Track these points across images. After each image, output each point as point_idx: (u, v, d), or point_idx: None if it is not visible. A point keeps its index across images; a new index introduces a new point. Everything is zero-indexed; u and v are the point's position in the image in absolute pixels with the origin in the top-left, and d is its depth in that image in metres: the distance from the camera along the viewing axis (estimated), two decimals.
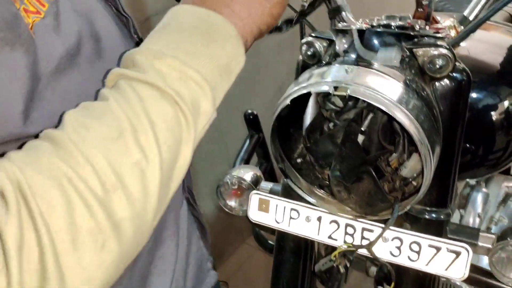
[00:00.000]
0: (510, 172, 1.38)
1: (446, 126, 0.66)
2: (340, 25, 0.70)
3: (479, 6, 0.73)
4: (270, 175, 1.11)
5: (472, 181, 1.14)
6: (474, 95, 0.83)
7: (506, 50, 0.90)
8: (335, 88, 0.59)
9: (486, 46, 0.90)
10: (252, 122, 1.12)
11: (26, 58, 0.39)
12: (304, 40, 0.71)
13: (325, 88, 0.59)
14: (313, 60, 0.71)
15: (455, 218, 1.12)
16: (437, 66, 0.63)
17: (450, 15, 0.94)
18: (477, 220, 1.13)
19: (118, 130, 0.37)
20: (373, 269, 1.00)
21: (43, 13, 0.42)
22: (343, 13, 0.79)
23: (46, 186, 0.33)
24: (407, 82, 0.62)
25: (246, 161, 1.09)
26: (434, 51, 0.63)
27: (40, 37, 0.41)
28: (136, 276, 0.56)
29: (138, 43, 0.58)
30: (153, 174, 0.38)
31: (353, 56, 0.63)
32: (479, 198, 1.16)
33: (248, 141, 1.11)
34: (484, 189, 1.18)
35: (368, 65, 0.62)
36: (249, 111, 1.12)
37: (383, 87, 0.59)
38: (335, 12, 0.78)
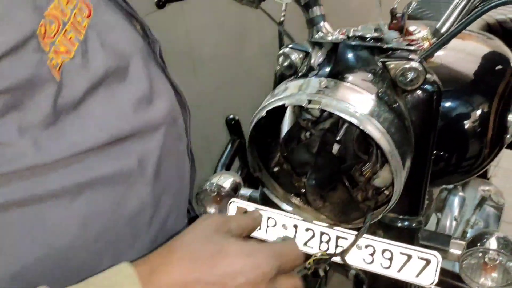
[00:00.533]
0: (486, 176, 1.41)
1: (418, 136, 0.68)
2: (317, 37, 0.71)
3: (451, 19, 0.75)
4: (252, 180, 1.12)
5: (449, 185, 1.17)
6: (448, 103, 0.85)
7: (480, 59, 0.92)
8: (309, 101, 0.60)
9: (460, 55, 0.92)
10: (234, 127, 1.13)
11: (46, 100, 0.40)
12: (280, 52, 0.72)
13: (299, 101, 0.61)
14: (290, 71, 0.73)
15: (432, 222, 1.14)
16: (409, 79, 0.65)
17: (428, 24, 0.96)
18: (454, 223, 1.16)
19: None
20: (353, 272, 1.02)
21: (73, 52, 0.44)
22: (321, 23, 0.80)
23: None
24: (379, 94, 0.63)
25: (228, 166, 1.10)
26: (405, 65, 0.65)
27: (67, 77, 0.43)
28: None
29: (162, 68, 0.59)
30: None
31: (328, 69, 0.65)
32: (455, 201, 1.19)
33: (229, 146, 1.12)
34: (460, 193, 1.21)
35: (342, 78, 0.63)
36: (231, 116, 1.13)
37: (355, 100, 0.60)
38: (312, 23, 0.80)
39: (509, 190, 2.04)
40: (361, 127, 0.59)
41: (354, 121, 0.58)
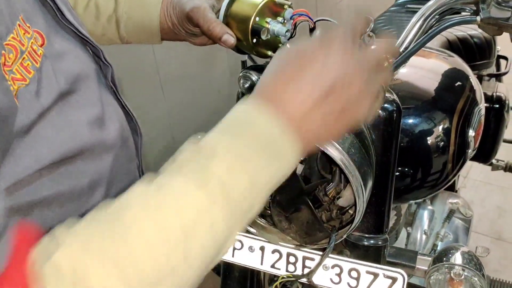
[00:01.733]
0: (454, 188, 1.44)
1: (379, 155, 0.68)
2: None
3: (409, 38, 0.76)
4: None
5: (418, 199, 1.18)
6: (410, 120, 0.86)
7: (440, 76, 0.94)
8: None
9: (421, 72, 0.94)
10: None
11: (8, 126, 0.41)
12: (241, 74, 0.72)
13: None
14: (251, 93, 0.72)
15: (402, 236, 1.15)
16: None
17: (390, 42, 0.98)
18: (424, 237, 1.17)
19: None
20: None
21: (28, 79, 0.44)
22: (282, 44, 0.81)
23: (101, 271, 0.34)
24: None
25: None
26: None
27: (22, 102, 0.43)
28: None
29: (114, 92, 0.60)
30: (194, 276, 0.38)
31: None
32: (425, 215, 1.20)
33: None
34: (429, 207, 1.22)
35: None
36: (199, 136, 1.13)
37: None
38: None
39: (478, 200, 2.09)
40: (321, 148, 0.59)
41: None
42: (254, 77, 0.72)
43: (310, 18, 0.67)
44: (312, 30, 0.68)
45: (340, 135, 0.50)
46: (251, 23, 0.67)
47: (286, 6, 0.69)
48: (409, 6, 1.40)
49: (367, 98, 0.45)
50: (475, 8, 0.74)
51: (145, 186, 0.39)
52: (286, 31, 0.67)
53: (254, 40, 0.69)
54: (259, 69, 0.72)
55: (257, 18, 0.68)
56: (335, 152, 0.59)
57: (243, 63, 0.82)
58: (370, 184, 0.65)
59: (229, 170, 0.39)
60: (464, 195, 2.08)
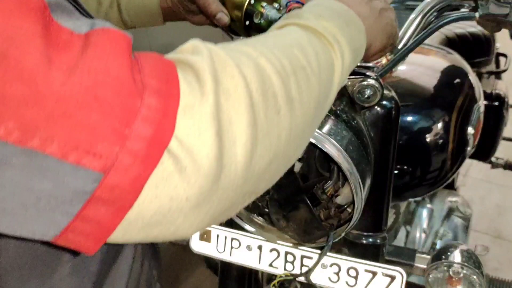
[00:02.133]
0: (453, 186, 1.43)
1: (378, 152, 0.68)
2: None
3: (407, 35, 0.76)
4: None
5: (417, 198, 1.18)
6: (409, 118, 0.86)
7: (439, 73, 0.93)
8: None
9: (420, 69, 0.93)
10: None
11: None
12: None
13: None
14: None
15: (401, 235, 1.15)
16: (366, 96, 0.65)
17: None
18: (423, 236, 1.16)
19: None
20: None
21: None
22: None
23: (240, 61, 0.36)
24: (338, 112, 0.63)
25: None
26: (362, 82, 0.65)
27: None
28: (87, 283, 0.55)
29: None
30: (316, 86, 0.42)
31: None
32: (424, 214, 1.20)
33: None
34: (428, 205, 1.22)
35: None
36: None
37: None
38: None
39: (477, 199, 2.08)
40: (319, 146, 0.58)
41: (312, 140, 0.58)
42: None
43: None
44: None
45: (385, 30, 0.59)
46: (245, 5, 0.68)
47: None
48: (408, 3, 1.39)
49: (392, 12, 0.61)
50: (473, 5, 0.73)
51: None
52: (280, 18, 0.67)
53: (247, 23, 0.69)
54: None
55: (252, 1, 0.68)
56: (333, 149, 0.58)
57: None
58: (368, 182, 0.64)
59: (317, 19, 0.46)
60: (463, 194, 2.08)
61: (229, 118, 0.33)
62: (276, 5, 0.69)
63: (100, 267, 0.56)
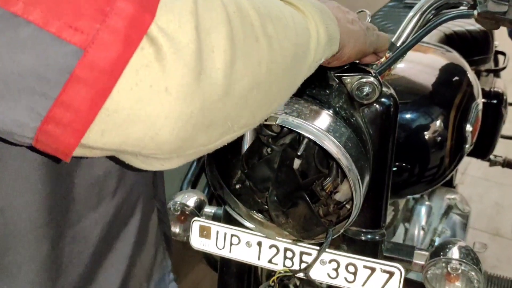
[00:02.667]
0: (452, 184, 1.44)
1: (376, 149, 0.68)
2: None
3: (406, 33, 0.76)
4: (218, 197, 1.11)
5: (415, 195, 1.18)
6: (408, 115, 0.86)
7: (438, 71, 0.94)
8: None
9: (419, 67, 0.94)
10: None
11: None
12: None
13: None
14: None
15: (400, 232, 1.15)
16: (365, 93, 0.65)
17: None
18: (422, 233, 1.17)
19: None
20: (324, 286, 1.02)
21: None
22: None
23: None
24: (337, 109, 0.63)
25: (194, 183, 1.08)
26: (361, 79, 0.65)
27: None
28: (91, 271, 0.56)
29: None
30: (293, 36, 0.44)
31: None
32: (422, 211, 1.20)
33: (195, 163, 1.11)
34: (427, 202, 1.22)
35: (298, 94, 0.63)
36: None
37: (312, 116, 0.60)
38: None
39: (476, 197, 2.09)
40: (318, 143, 0.59)
41: (311, 137, 0.58)
42: None
43: None
44: None
45: (357, 37, 0.60)
46: None
47: None
48: (407, 1, 1.40)
49: (364, 25, 0.62)
50: (472, 2, 0.74)
51: None
52: None
53: None
54: None
55: None
56: (332, 146, 0.59)
57: None
58: (367, 178, 0.64)
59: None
60: (462, 191, 2.08)
61: (207, 27, 0.33)
62: None
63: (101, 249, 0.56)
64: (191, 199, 0.87)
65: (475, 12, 0.69)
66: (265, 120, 0.60)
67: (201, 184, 1.11)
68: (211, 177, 0.70)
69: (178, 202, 0.86)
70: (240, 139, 0.74)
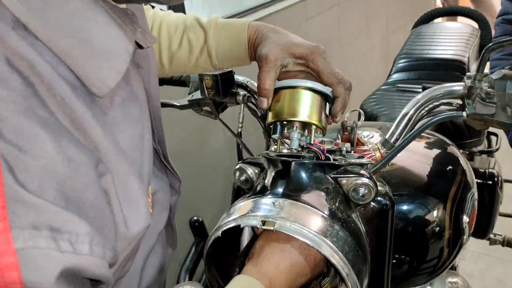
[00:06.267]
0: (453, 266, 1.42)
1: (374, 247, 0.68)
2: (270, 153, 0.73)
3: (399, 130, 0.79)
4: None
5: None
6: (405, 207, 0.87)
7: (431, 160, 0.96)
8: (263, 222, 0.61)
9: (414, 157, 0.96)
10: (198, 228, 1.12)
11: None
12: (237, 167, 0.74)
13: (253, 222, 0.61)
14: (247, 185, 0.74)
15: None
16: (360, 194, 0.67)
17: (381, 126, 1.01)
18: None
19: None
20: None
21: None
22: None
23: None
24: (333, 211, 0.64)
25: (192, 270, 1.07)
26: (356, 180, 0.66)
27: None
28: None
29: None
30: None
31: (281, 188, 0.66)
32: None
33: (193, 249, 1.10)
34: (428, 287, 1.20)
35: (295, 198, 0.64)
36: (195, 218, 1.12)
37: (309, 220, 0.61)
38: (268, 134, 0.83)
39: (478, 273, 2.05)
40: (315, 248, 0.59)
41: (308, 242, 0.59)
42: (249, 170, 0.73)
43: (322, 152, 0.70)
44: (318, 158, 0.70)
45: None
46: (277, 119, 0.72)
47: (314, 131, 0.72)
48: (399, 85, 1.45)
49: None
50: (461, 103, 0.77)
51: None
52: (295, 148, 0.72)
53: (270, 126, 0.73)
54: (254, 164, 0.73)
55: (284, 122, 0.71)
56: (329, 251, 0.59)
57: (238, 152, 0.84)
58: (366, 281, 0.64)
59: None
60: (463, 268, 2.05)
61: None
62: (301, 132, 0.72)
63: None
64: None
65: (464, 114, 0.71)
66: (263, 224, 0.61)
67: (199, 271, 1.10)
68: (209, 277, 0.69)
69: None
70: (239, 237, 0.75)
